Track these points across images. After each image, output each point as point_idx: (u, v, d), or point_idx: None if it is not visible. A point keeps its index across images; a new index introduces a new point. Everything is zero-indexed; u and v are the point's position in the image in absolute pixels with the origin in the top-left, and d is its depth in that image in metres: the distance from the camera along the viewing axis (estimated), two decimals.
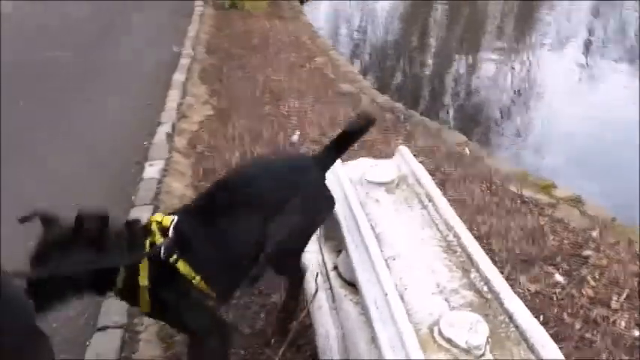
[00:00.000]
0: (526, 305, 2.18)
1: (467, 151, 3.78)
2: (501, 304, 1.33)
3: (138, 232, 1.54)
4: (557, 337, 2.12)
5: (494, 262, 2.45)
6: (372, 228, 1.67)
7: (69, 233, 1.40)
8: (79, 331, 2.05)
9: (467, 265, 1.50)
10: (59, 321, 2.08)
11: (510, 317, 1.29)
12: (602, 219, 2.98)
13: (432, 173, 3.31)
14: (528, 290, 2.38)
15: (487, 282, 1.41)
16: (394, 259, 1.53)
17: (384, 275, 1.42)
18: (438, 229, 1.67)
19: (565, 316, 2.25)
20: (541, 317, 2.23)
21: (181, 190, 3.04)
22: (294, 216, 1.68)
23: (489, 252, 2.61)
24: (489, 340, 1.23)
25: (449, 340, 1.22)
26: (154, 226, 1.53)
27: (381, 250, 1.56)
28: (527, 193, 3.21)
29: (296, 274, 1.96)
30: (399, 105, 4.75)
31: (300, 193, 1.71)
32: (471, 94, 6.81)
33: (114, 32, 6.82)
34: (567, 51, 8.51)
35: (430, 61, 8.25)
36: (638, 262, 2.58)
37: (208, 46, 6.43)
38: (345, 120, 4.20)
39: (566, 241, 2.73)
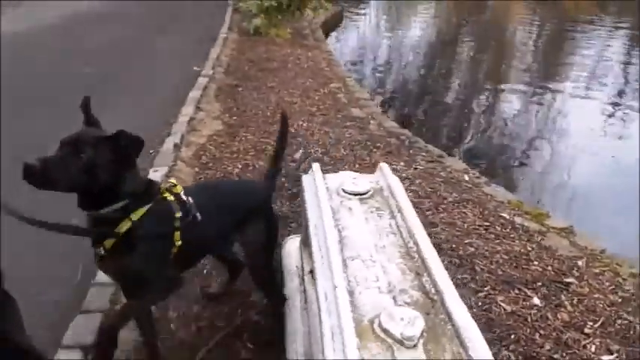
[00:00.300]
0: (499, 324, 2.28)
1: (466, 177, 3.84)
2: (443, 304, 1.40)
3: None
4: (525, 355, 2.16)
5: (475, 282, 2.54)
6: (339, 232, 1.76)
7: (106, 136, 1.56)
8: (64, 315, 2.18)
9: (420, 269, 1.57)
10: (41, 305, 2.23)
11: (449, 316, 1.36)
12: (590, 249, 3.00)
13: (427, 196, 3.44)
14: (504, 310, 2.41)
15: (435, 285, 1.48)
16: (352, 260, 1.62)
17: (337, 271, 1.50)
18: (402, 237, 1.75)
19: (537, 336, 2.27)
20: (512, 336, 2.26)
21: None
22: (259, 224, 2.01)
23: (472, 272, 2.67)
24: (425, 334, 1.31)
25: (386, 331, 1.29)
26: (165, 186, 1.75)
27: (342, 251, 1.65)
28: (518, 220, 3.24)
29: (271, 284, 2.13)
30: (406, 131, 4.84)
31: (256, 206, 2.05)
32: (487, 128, 6.82)
33: (141, 53, 7.13)
34: (595, 92, 8.40)
35: (449, 94, 8.33)
36: (619, 293, 2.60)
37: (228, 67, 6.66)
38: (350, 142, 4.33)
39: (549, 268, 2.75)
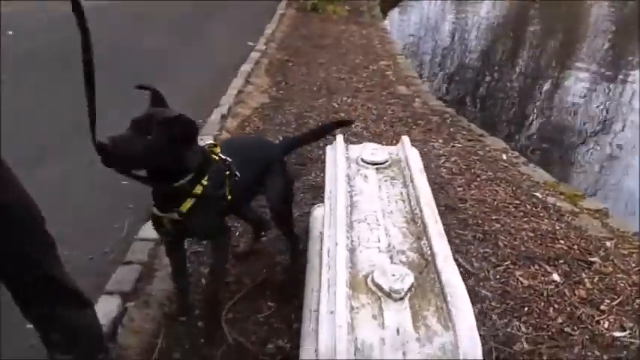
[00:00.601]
0: (514, 296, 2.34)
1: (504, 157, 3.84)
2: (435, 264, 1.51)
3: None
4: (535, 327, 2.23)
5: (496, 257, 2.61)
6: (351, 197, 1.88)
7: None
8: (109, 265, 2.42)
9: (421, 234, 1.68)
10: (90, 256, 2.48)
11: (438, 274, 1.47)
12: (622, 231, 2.98)
13: (461, 173, 3.50)
14: (521, 284, 2.47)
15: (431, 247, 1.58)
16: (359, 222, 1.74)
17: (341, 231, 1.63)
18: (410, 204, 1.85)
19: (551, 310, 2.32)
20: (526, 308, 2.32)
21: None
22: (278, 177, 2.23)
23: (494, 247, 2.73)
24: (414, 290, 1.42)
25: (377, 285, 1.41)
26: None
27: (351, 214, 1.78)
28: (551, 200, 3.25)
29: (290, 228, 2.37)
30: (450, 110, 4.85)
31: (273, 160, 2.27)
32: (545, 114, 6.59)
33: (200, 29, 7.38)
34: None
35: (510, 77, 8.11)
36: None
37: (281, 43, 6.81)
38: (391, 118, 4.40)
39: (575, 247, 2.77)
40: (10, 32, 5.97)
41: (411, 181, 1.96)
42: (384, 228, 1.71)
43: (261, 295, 2.30)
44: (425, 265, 1.54)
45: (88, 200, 2.88)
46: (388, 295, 1.39)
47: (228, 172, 1.92)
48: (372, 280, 1.43)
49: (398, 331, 1.29)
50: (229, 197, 1.93)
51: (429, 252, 1.58)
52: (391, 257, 1.57)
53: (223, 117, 4.07)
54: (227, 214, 2.10)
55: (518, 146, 5.10)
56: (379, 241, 1.64)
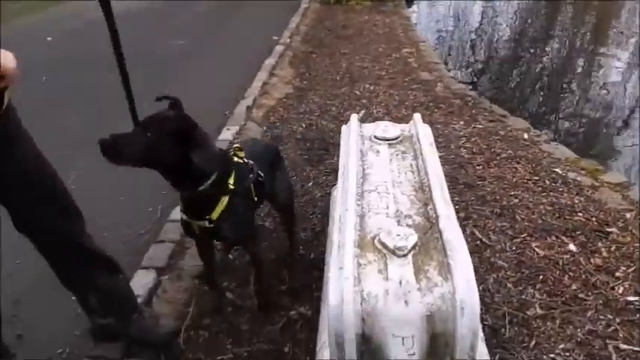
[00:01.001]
0: (529, 265, 2.42)
1: (525, 136, 3.87)
2: (438, 224, 1.61)
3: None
4: (549, 293, 2.30)
5: (513, 230, 2.69)
6: (363, 170, 1.99)
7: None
8: (144, 244, 2.60)
9: (428, 200, 1.77)
10: (127, 237, 2.66)
11: (441, 234, 1.56)
12: None
13: (481, 152, 3.57)
14: (537, 254, 2.53)
15: (436, 211, 1.68)
16: (370, 192, 1.84)
17: (351, 199, 1.74)
18: (419, 175, 1.94)
19: (565, 278, 2.38)
20: (540, 277, 2.39)
21: None
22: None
23: (512, 221, 2.80)
24: (418, 247, 1.52)
25: (383, 244, 1.52)
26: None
27: (362, 185, 1.89)
28: (572, 175, 3.28)
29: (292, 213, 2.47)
30: (473, 93, 4.90)
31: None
32: (578, 100, 6.42)
33: (225, 25, 7.57)
34: None
35: (540, 64, 7.96)
36: None
37: (305, 35, 6.93)
38: (413, 103, 4.48)
39: (593, 219, 2.80)
40: (49, 38, 6.28)
41: (421, 154, 2.05)
42: (393, 196, 1.82)
43: (283, 267, 2.43)
44: (430, 227, 1.63)
45: (124, 188, 3.07)
46: (393, 252, 1.49)
47: (251, 175, 1.97)
48: (379, 240, 1.54)
49: (400, 282, 1.40)
50: (256, 199, 2.00)
51: (434, 215, 1.68)
52: (398, 221, 1.67)
53: (248, 108, 4.22)
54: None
55: (546, 127, 5.06)
56: (388, 208, 1.75)
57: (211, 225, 1.84)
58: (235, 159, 2.00)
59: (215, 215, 1.84)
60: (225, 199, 1.85)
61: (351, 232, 1.57)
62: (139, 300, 2.12)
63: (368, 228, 1.64)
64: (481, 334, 1.86)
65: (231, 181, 1.87)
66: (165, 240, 2.55)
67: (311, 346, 1.92)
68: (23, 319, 2.11)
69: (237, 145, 2.08)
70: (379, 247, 1.53)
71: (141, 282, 2.23)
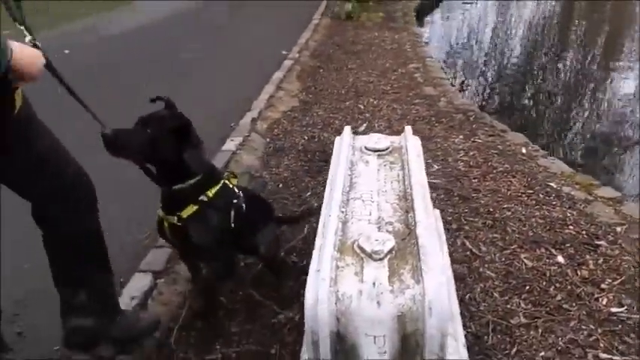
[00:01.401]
0: (517, 276, 2.49)
1: (523, 150, 3.93)
2: (415, 230, 1.68)
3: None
4: (534, 303, 2.35)
5: (504, 242, 2.75)
6: (351, 179, 2.07)
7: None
8: (143, 249, 2.70)
9: (409, 208, 1.84)
10: (127, 241, 2.76)
11: (417, 239, 1.64)
12: (635, 218, 3.04)
13: (478, 166, 3.64)
14: (525, 265, 2.59)
15: (414, 218, 1.75)
16: (355, 200, 1.92)
17: (335, 205, 1.83)
18: (404, 184, 2.02)
19: (551, 289, 2.43)
20: (527, 287, 2.44)
21: (250, 161, 3.63)
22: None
23: (502, 232, 2.86)
24: (395, 252, 1.60)
25: (361, 248, 1.60)
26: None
27: (348, 193, 1.97)
28: (566, 189, 3.33)
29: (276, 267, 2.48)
30: (475, 108, 4.97)
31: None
32: (589, 120, 6.36)
33: (237, 38, 7.75)
34: None
35: (550, 82, 7.97)
36: None
37: (314, 51, 7.07)
38: (414, 117, 4.56)
39: (583, 232, 2.85)
40: (67, 51, 6.46)
41: (407, 164, 2.13)
42: (376, 204, 1.90)
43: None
44: (408, 233, 1.71)
45: (125, 195, 3.17)
46: (370, 256, 1.57)
47: (235, 202, 2.06)
48: (358, 245, 1.62)
49: (374, 284, 1.47)
50: (233, 225, 2.06)
51: (413, 222, 1.76)
52: (379, 227, 1.75)
53: (253, 120, 4.34)
54: (229, 245, 2.15)
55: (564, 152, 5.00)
56: (370, 215, 1.83)
57: (179, 224, 1.94)
58: (227, 182, 2.10)
59: (185, 214, 1.94)
60: (195, 207, 1.94)
61: (332, 236, 1.65)
62: (135, 302, 2.21)
63: (349, 233, 1.72)
64: (463, 340, 1.91)
65: (211, 192, 1.98)
66: (164, 245, 2.63)
67: (297, 348, 1.99)
68: (24, 317, 2.20)
69: (232, 172, 2.22)
70: (358, 251, 1.61)
71: (137, 285, 2.33)
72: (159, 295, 2.32)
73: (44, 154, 1.72)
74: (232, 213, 2.06)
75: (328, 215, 1.78)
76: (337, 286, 1.48)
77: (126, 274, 2.45)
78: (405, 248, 1.64)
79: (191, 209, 1.95)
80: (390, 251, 1.59)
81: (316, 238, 1.75)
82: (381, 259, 1.57)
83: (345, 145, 2.31)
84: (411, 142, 2.32)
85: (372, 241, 1.62)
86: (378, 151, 2.28)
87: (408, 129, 2.45)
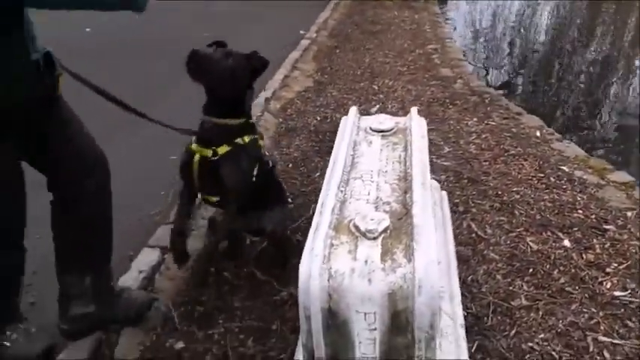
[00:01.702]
0: (521, 259, 2.49)
1: (537, 133, 3.89)
2: (410, 210, 1.70)
3: None
4: (537, 286, 2.35)
5: (510, 224, 2.74)
6: (353, 158, 2.09)
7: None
8: (154, 225, 2.77)
9: (408, 189, 1.86)
10: (138, 217, 2.83)
11: (412, 219, 1.66)
12: None
13: (489, 148, 3.61)
14: (530, 248, 2.59)
15: (412, 198, 1.77)
16: (355, 180, 1.94)
17: (334, 185, 1.85)
18: (405, 165, 2.02)
19: (555, 272, 2.43)
20: (530, 270, 2.45)
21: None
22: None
23: (510, 215, 2.85)
24: (390, 232, 1.61)
25: (356, 227, 1.62)
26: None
27: (349, 173, 1.99)
28: (578, 173, 3.30)
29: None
30: (491, 90, 4.92)
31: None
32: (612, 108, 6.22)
33: (256, 19, 7.72)
34: None
35: (567, 63, 7.78)
36: None
37: (332, 30, 7.03)
38: (429, 99, 4.53)
39: (593, 216, 2.83)
40: (88, 29, 6.53)
41: (410, 145, 2.14)
42: (376, 184, 1.91)
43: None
44: (405, 213, 1.73)
45: (138, 172, 3.24)
46: (364, 234, 1.59)
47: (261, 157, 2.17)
48: (354, 224, 1.64)
49: (366, 262, 1.50)
50: (254, 179, 2.14)
51: (410, 202, 1.77)
52: (376, 207, 1.77)
53: (267, 100, 4.36)
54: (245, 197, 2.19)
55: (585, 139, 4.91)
56: (369, 195, 1.84)
57: (213, 158, 2.00)
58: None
59: (222, 150, 2.02)
60: (244, 141, 2.08)
61: (328, 215, 1.68)
62: (143, 275, 2.28)
63: (347, 212, 1.74)
64: (461, 321, 1.94)
65: (247, 139, 2.08)
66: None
67: (297, 323, 2.03)
68: (37, 288, 2.28)
69: (261, 133, 2.28)
70: (353, 229, 1.63)
71: (145, 259, 2.39)
72: (166, 270, 2.39)
73: (71, 135, 1.80)
74: (257, 166, 2.14)
75: (326, 194, 1.80)
76: (330, 263, 1.51)
77: (136, 248, 2.52)
78: (401, 228, 1.65)
79: (225, 148, 2.03)
80: (384, 230, 1.61)
81: (314, 217, 1.78)
82: (375, 238, 1.59)
83: (349, 125, 2.32)
84: (416, 123, 2.31)
85: (367, 220, 1.64)
86: (383, 131, 2.28)
87: (414, 110, 2.45)
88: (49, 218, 1.91)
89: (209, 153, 2.02)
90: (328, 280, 1.49)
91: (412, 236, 1.57)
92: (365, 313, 1.49)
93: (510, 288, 2.34)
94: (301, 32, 6.83)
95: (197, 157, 2.03)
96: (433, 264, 1.48)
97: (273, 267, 2.41)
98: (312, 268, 1.49)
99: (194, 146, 2.06)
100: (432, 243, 1.56)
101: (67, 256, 1.92)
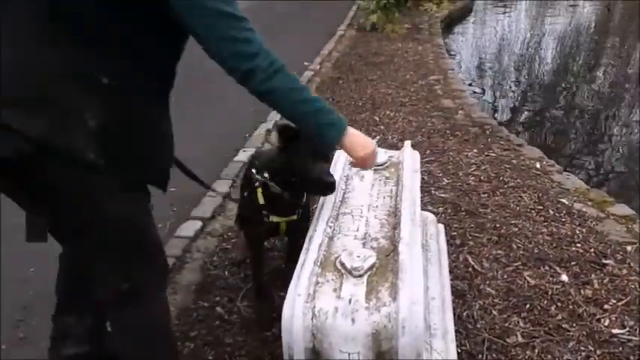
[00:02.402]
0: (518, 294, 2.46)
1: (537, 165, 3.87)
2: (397, 247, 1.68)
3: None
4: (533, 323, 2.32)
5: (508, 258, 2.71)
6: (344, 193, 2.09)
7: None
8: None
9: (397, 225, 1.85)
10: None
11: (398, 255, 1.64)
12: None
13: (488, 180, 3.60)
14: (528, 283, 2.55)
15: (399, 234, 1.76)
16: (344, 215, 1.94)
17: (323, 221, 1.85)
18: (395, 200, 2.03)
19: (552, 308, 2.39)
20: (527, 305, 2.41)
21: None
22: None
23: (507, 249, 2.82)
24: (376, 269, 1.61)
25: (342, 264, 1.62)
26: None
27: (339, 208, 1.98)
28: (578, 206, 3.27)
29: None
30: (493, 121, 4.92)
31: None
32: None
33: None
34: None
35: (570, 95, 7.78)
36: None
37: (336, 62, 7.10)
38: (429, 130, 4.55)
39: (591, 250, 2.80)
40: None
41: (402, 180, 2.14)
42: (365, 219, 1.91)
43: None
44: (392, 250, 1.72)
45: None
46: (350, 272, 1.58)
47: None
48: (340, 261, 1.64)
49: (350, 301, 1.48)
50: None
51: (398, 239, 1.76)
52: (364, 243, 1.77)
53: (268, 131, 4.39)
54: None
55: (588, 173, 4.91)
56: (357, 230, 1.84)
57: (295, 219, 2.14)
58: None
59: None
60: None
61: (315, 252, 1.67)
62: None
63: (334, 249, 1.74)
64: (454, 357, 1.91)
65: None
66: (168, 255, 2.68)
67: None
68: (28, 323, 2.27)
69: None
70: (339, 267, 1.62)
71: None
72: None
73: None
74: None
75: (314, 230, 1.80)
76: (315, 301, 1.50)
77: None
78: (387, 265, 1.64)
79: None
80: (370, 268, 1.60)
81: (301, 253, 1.77)
82: (360, 276, 1.58)
83: (342, 158, 2.33)
84: (409, 157, 2.32)
85: (353, 257, 1.63)
86: (375, 165, 2.29)
87: (407, 144, 2.46)
88: (44, 253, 1.89)
89: (294, 217, 2.16)
90: (312, 319, 1.48)
91: (397, 274, 1.56)
92: (349, 353, 1.47)
93: (506, 324, 2.30)
94: (305, 64, 6.91)
95: (283, 226, 2.17)
96: (418, 303, 1.47)
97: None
98: (296, 307, 1.48)
99: (275, 219, 2.14)
100: (417, 281, 1.55)
101: (70, 296, 1.89)
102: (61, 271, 1.90)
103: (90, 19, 1.35)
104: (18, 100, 1.31)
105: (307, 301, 1.49)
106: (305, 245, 1.78)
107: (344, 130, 1.68)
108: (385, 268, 1.63)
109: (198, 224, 2.98)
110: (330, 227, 1.85)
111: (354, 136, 1.73)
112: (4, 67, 1.31)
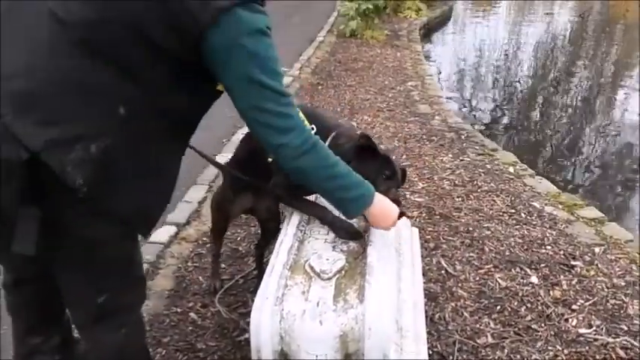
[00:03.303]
0: (489, 296, 2.49)
1: (511, 169, 3.94)
2: (365, 249, 1.71)
3: None
4: (503, 324, 2.36)
5: (480, 261, 2.75)
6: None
7: None
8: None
9: (367, 228, 1.88)
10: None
11: (366, 258, 1.67)
12: (616, 239, 3.03)
13: (463, 185, 3.64)
14: (499, 285, 2.60)
15: (369, 237, 1.78)
16: (315, 221, 1.97)
17: (293, 226, 1.87)
18: None
19: (522, 309, 2.44)
20: (498, 307, 2.45)
21: None
22: None
23: (480, 252, 2.87)
24: (344, 272, 1.63)
25: (311, 267, 1.64)
26: None
27: None
28: (549, 209, 3.34)
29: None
30: (468, 126, 4.99)
31: None
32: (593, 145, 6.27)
33: None
34: None
35: (547, 100, 7.92)
36: (625, 277, 2.66)
37: (315, 68, 7.13)
38: (405, 135, 4.60)
39: (561, 252, 2.86)
40: None
41: None
42: None
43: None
44: (362, 253, 1.74)
45: None
46: (318, 275, 1.61)
47: None
48: (309, 264, 1.66)
49: (318, 303, 1.50)
50: None
51: (367, 242, 1.79)
52: (334, 246, 1.79)
53: None
54: None
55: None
56: (328, 234, 1.86)
57: None
58: None
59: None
60: None
61: (284, 255, 1.69)
62: None
63: (304, 252, 1.75)
64: (426, 359, 1.93)
65: None
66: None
67: None
68: None
69: None
70: (308, 270, 1.64)
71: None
72: None
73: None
74: None
75: (285, 234, 1.82)
76: (283, 304, 1.51)
77: None
78: (356, 267, 1.67)
79: None
80: (339, 270, 1.63)
81: (271, 257, 1.79)
82: (329, 279, 1.60)
83: None
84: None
85: (323, 260, 1.65)
86: None
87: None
88: None
89: None
90: (280, 322, 1.49)
91: (365, 277, 1.58)
92: (316, 355, 1.48)
93: (477, 326, 2.34)
94: (284, 69, 6.93)
95: None
96: (381, 305, 1.49)
97: (240, 306, 2.40)
98: (264, 310, 1.49)
99: None
100: (386, 283, 1.58)
101: (43, 319, 1.81)
102: (21, 297, 1.78)
103: (126, 51, 1.31)
104: (33, 107, 1.27)
105: (276, 304, 1.51)
106: (275, 249, 1.79)
107: (367, 205, 1.67)
108: (354, 270, 1.65)
109: (173, 229, 2.98)
110: (301, 231, 1.87)
111: (377, 208, 1.70)
112: (30, 73, 1.27)
